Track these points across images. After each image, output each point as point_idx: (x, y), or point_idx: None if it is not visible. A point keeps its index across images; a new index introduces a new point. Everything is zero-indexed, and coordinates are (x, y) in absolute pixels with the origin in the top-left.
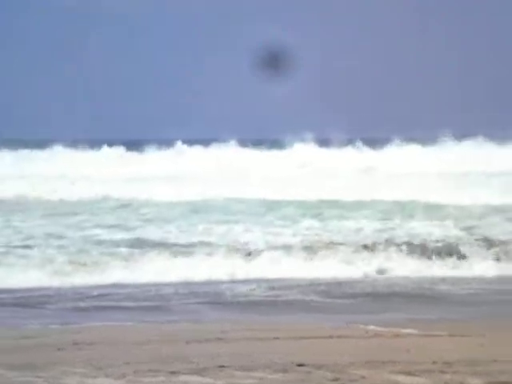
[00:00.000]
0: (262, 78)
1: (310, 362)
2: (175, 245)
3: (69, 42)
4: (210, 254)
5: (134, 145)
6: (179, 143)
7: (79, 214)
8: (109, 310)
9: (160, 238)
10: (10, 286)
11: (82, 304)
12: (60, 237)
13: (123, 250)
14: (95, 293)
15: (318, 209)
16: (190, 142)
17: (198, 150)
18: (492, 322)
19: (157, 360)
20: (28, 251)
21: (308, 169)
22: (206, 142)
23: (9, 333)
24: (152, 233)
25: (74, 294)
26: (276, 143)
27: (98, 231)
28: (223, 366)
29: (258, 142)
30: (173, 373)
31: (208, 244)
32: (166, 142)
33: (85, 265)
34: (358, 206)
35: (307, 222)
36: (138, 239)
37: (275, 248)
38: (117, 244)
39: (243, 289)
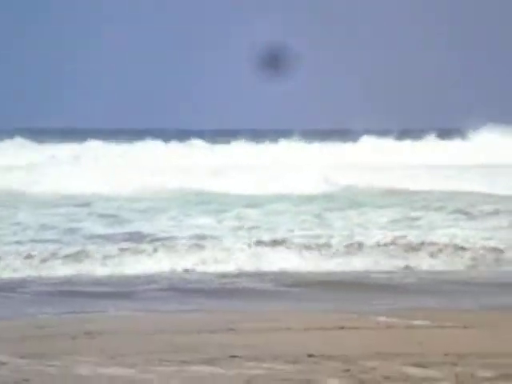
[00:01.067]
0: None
1: (320, 353)
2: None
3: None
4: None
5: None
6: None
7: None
8: (119, 299)
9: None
10: (18, 274)
11: (91, 291)
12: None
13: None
14: (104, 281)
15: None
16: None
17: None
18: (505, 312)
19: (168, 350)
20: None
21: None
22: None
23: (21, 323)
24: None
25: (84, 281)
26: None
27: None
28: (234, 356)
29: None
30: (184, 362)
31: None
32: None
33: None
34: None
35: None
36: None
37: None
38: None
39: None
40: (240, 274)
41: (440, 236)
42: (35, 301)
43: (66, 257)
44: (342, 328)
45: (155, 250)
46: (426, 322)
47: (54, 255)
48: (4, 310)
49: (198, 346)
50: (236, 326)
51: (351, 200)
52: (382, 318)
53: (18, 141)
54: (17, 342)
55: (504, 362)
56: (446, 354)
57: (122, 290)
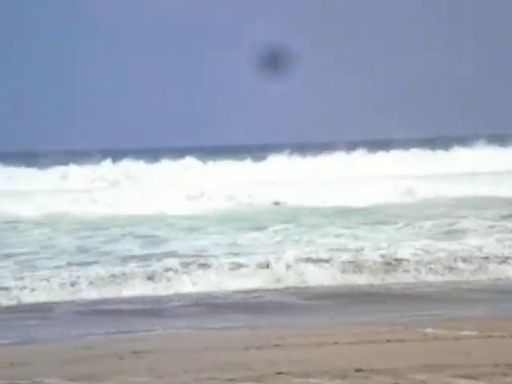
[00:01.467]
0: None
1: (368, 367)
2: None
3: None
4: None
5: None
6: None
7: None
8: (165, 317)
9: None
10: (65, 297)
11: (137, 312)
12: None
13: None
14: (149, 301)
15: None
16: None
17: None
18: None
19: (215, 367)
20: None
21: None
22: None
23: (69, 344)
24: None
25: (125, 301)
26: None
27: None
28: (281, 373)
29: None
30: (231, 380)
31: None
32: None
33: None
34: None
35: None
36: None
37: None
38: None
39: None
40: (261, 289)
41: (482, 246)
42: (79, 321)
43: (106, 278)
44: (389, 341)
45: (193, 269)
46: (474, 333)
47: (92, 276)
48: (49, 331)
49: (244, 362)
50: (282, 341)
51: (387, 212)
52: (429, 330)
53: (61, 168)
54: (64, 363)
55: None
56: (495, 365)
57: (164, 309)
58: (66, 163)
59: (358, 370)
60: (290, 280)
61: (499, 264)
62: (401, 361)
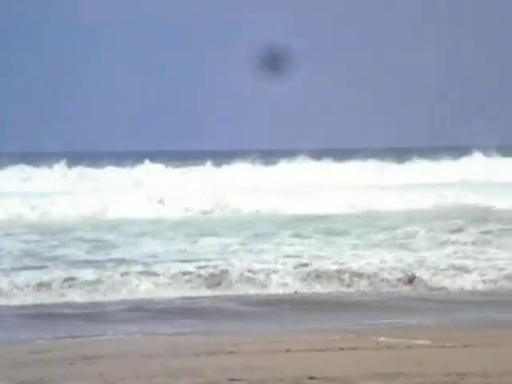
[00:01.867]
0: None
1: (321, 375)
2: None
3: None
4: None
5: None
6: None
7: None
8: (114, 322)
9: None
10: (8, 301)
11: (89, 317)
12: None
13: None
14: (93, 306)
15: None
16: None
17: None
18: (505, 330)
19: (166, 373)
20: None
21: None
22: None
23: (19, 348)
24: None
25: (75, 306)
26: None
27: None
28: (234, 380)
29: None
30: None
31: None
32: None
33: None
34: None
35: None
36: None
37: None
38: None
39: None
40: (206, 296)
41: (439, 255)
42: (25, 325)
43: (50, 282)
44: (342, 349)
45: (140, 275)
46: (427, 342)
47: (36, 281)
48: None
49: (197, 369)
50: (235, 348)
51: (344, 221)
52: (382, 338)
53: (20, 170)
54: (14, 367)
55: (505, 380)
56: (447, 374)
57: (107, 313)
58: (26, 164)
59: (311, 378)
60: (239, 288)
61: (452, 275)
62: (353, 369)
